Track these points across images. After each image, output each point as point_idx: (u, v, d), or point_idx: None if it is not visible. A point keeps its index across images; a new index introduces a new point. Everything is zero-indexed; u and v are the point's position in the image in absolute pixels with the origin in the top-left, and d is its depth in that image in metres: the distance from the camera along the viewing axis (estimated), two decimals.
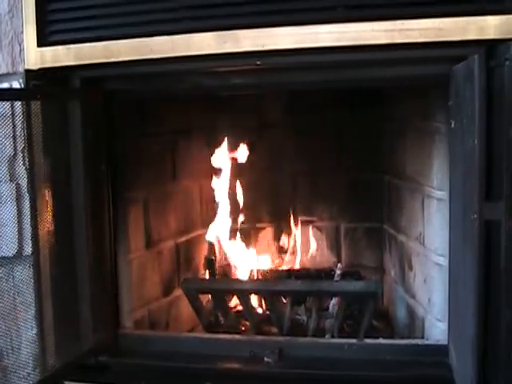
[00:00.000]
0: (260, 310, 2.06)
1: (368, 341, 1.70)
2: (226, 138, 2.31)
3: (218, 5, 1.49)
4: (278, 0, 1.46)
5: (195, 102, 2.24)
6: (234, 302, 2.08)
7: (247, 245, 2.34)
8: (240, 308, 2.01)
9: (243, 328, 1.98)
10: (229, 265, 2.17)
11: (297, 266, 2.38)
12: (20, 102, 1.57)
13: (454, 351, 1.53)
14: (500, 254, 1.26)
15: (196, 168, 2.38)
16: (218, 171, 2.30)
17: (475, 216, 1.27)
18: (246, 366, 1.67)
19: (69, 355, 1.64)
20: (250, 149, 2.35)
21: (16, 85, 1.69)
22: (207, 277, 2.18)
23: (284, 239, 2.44)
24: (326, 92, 2.13)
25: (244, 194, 2.37)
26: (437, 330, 1.70)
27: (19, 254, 1.74)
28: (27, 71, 1.63)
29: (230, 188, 2.32)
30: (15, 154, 1.70)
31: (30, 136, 1.53)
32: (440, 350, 1.60)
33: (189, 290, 1.92)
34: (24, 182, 1.70)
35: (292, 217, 2.41)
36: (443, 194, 1.65)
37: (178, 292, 2.15)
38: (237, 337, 1.82)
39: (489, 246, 1.29)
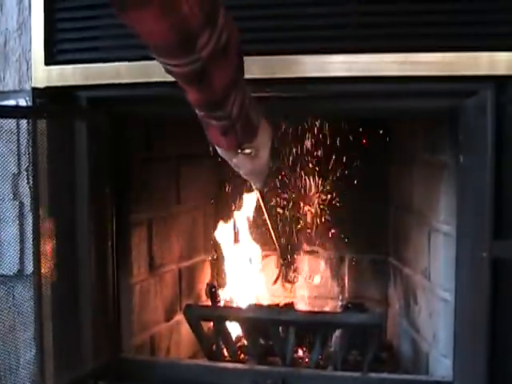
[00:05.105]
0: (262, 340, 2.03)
1: (372, 375, 1.67)
2: None
3: None
4: (288, 28, 1.45)
5: (200, 126, 2.23)
6: (237, 330, 2.05)
7: (250, 272, 2.32)
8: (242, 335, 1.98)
9: (245, 357, 1.95)
10: (232, 292, 2.15)
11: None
12: (26, 120, 1.57)
13: None
14: (510, 293, 1.24)
15: (200, 193, 2.37)
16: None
17: (484, 254, 1.25)
18: None
19: (68, 379, 1.61)
20: None
21: (22, 102, 1.68)
22: (209, 303, 2.16)
23: (287, 268, 2.42)
24: (333, 120, 2.12)
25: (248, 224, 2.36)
26: (442, 366, 1.67)
27: (20, 273, 1.72)
28: (34, 89, 1.62)
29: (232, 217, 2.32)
30: (19, 172, 1.70)
31: (34, 154, 1.52)
32: None
33: (191, 316, 1.90)
34: (27, 201, 1.69)
35: (295, 247, 2.39)
36: (450, 229, 1.62)
37: (180, 317, 2.12)
38: (239, 366, 1.79)
39: (498, 284, 1.27)
